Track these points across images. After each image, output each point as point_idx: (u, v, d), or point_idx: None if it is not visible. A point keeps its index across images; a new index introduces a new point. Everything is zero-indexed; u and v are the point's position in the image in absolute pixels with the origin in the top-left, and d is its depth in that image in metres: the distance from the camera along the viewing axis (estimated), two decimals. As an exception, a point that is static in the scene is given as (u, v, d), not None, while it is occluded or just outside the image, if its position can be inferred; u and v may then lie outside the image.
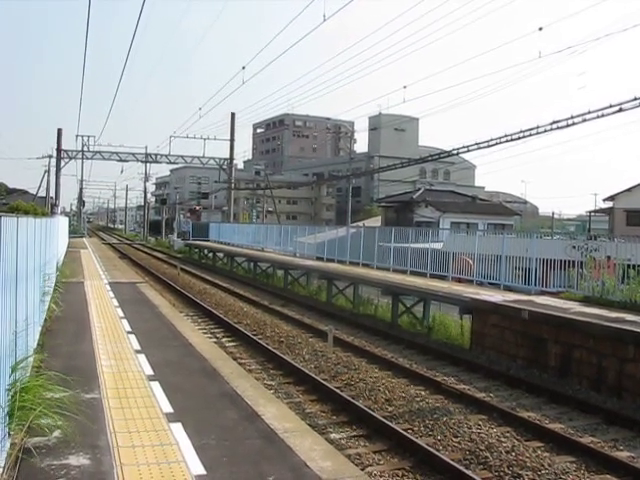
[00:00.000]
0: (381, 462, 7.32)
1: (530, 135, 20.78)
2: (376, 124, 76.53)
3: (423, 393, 10.24)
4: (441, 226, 39.79)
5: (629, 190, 41.75)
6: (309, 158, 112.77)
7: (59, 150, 54.30)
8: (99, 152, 53.88)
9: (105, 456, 4.87)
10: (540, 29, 21.34)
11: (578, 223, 63.35)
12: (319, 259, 27.20)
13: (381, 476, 6.92)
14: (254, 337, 14.42)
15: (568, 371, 11.16)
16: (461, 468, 6.86)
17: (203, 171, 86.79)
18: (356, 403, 9.28)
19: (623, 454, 7.81)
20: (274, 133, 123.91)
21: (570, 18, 39.31)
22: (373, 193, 79.93)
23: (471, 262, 18.10)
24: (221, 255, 40.38)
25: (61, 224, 24.77)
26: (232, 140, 54.29)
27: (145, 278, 26.12)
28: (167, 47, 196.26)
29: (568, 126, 19.21)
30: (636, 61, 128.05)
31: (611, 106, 17.59)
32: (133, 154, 55.45)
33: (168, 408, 6.19)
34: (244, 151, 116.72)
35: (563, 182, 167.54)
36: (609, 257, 14.00)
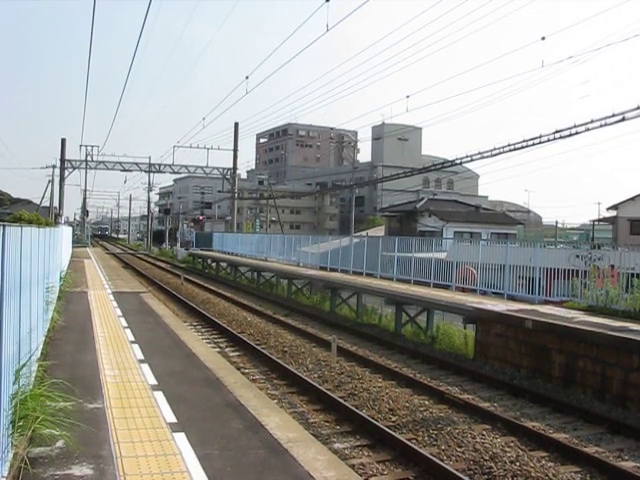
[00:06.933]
0: (385, 472, 7.28)
1: (533, 144, 20.88)
2: (379, 134, 76.68)
3: (427, 403, 10.21)
4: (444, 235, 39.74)
5: (633, 199, 41.65)
6: (312, 168, 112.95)
7: (63, 160, 54.67)
8: (103, 162, 54.28)
9: (108, 466, 4.86)
10: (543, 39, 21.43)
11: (582, 232, 63.20)
12: (322, 269, 27.18)
13: (385, 486, 6.88)
14: (258, 347, 14.39)
15: (572, 380, 11.12)
16: (465, 478, 6.83)
17: (206, 181, 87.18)
18: (360, 413, 9.25)
19: (628, 464, 7.77)
20: (277, 143, 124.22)
21: (572, 28, 39.45)
22: (376, 202, 79.95)
23: (475, 271, 18.08)
24: (224, 265, 40.42)
25: (65, 234, 24.83)
26: (235, 150, 54.60)
27: (148, 288, 26.13)
28: (171, 57, 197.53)
29: (571, 135, 19.30)
30: (638, 70, 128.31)
31: (614, 115, 17.66)
32: (137, 164, 55.85)
33: (172, 418, 6.18)
34: (247, 161, 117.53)
35: (566, 191, 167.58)
36: (613, 266, 13.98)
